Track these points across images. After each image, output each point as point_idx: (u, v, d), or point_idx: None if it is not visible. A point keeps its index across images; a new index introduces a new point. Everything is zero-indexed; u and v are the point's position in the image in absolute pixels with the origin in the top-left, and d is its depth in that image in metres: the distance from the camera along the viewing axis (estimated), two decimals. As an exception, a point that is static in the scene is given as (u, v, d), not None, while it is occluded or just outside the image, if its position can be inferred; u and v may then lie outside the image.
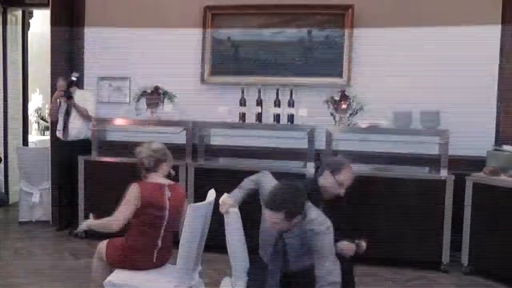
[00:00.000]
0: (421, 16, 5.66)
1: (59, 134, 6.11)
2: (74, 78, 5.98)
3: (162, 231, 3.51)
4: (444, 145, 5.16)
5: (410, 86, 5.58)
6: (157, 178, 3.60)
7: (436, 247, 5.04)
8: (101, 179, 5.64)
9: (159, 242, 3.51)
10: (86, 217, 3.70)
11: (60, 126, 6.10)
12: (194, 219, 3.30)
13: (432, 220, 5.02)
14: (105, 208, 3.52)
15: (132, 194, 3.43)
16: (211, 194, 3.58)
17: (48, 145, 6.57)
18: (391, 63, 5.65)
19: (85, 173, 5.81)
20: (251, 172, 3.52)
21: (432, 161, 5.40)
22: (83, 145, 6.01)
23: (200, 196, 3.82)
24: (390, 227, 5.00)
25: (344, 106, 5.44)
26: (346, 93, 5.52)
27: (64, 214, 6.19)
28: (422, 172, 5.36)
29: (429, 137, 5.33)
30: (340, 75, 5.81)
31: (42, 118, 8.84)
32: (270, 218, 2.81)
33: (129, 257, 3.48)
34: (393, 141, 5.38)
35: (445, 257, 5.05)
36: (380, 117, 5.40)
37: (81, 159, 5.82)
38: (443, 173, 5.10)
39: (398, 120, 5.39)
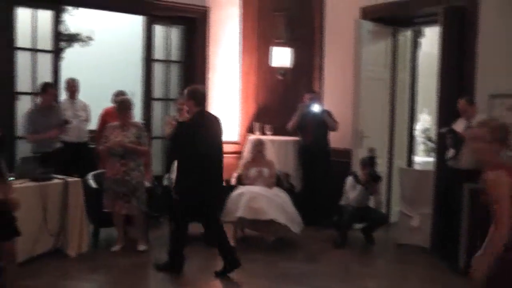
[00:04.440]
0: None
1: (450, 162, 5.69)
2: None
3: None
4: None
5: None
6: None
7: None
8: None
9: None
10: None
11: (451, 153, 5.67)
12: None
13: None
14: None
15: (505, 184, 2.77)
16: None
17: (432, 167, 6.22)
18: None
19: (471, 203, 5.21)
20: None
21: None
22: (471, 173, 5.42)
23: None
24: None
25: None
26: None
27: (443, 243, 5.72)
28: None
29: None
30: None
31: (429, 139, 8.59)
32: None
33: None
34: None
35: None
36: None
37: (466, 187, 5.26)
38: None
39: None
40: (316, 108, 7.14)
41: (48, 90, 6.47)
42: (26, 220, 4.68)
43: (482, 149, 2.98)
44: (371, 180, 6.18)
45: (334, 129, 7.12)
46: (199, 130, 4.95)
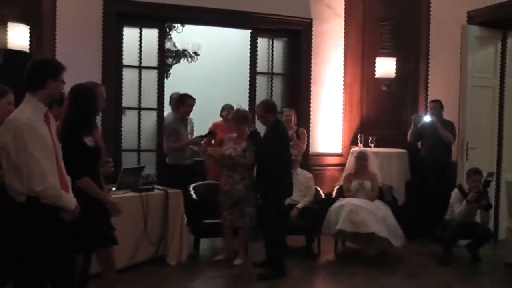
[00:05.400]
0: None
1: None
2: None
3: None
4: None
5: None
6: None
7: None
8: None
9: None
10: None
11: None
12: None
13: None
14: None
15: None
16: None
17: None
18: None
19: None
20: None
21: None
22: None
23: None
24: None
25: None
26: None
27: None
28: None
29: None
30: None
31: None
32: None
33: None
34: None
35: None
36: None
37: None
38: None
39: None
40: (429, 118, 6.97)
41: (187, 101, 6.91)
42: (127, 229, 5.06)
43: None
44: (482, 208, 6.03)
45: (448, 141, 6.93)
46: (287, 134, 5.82)
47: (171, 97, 7.60)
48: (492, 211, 6.60)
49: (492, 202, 6.49)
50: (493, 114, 7.07)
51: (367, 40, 8.07)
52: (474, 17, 6.88)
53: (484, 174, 6.06)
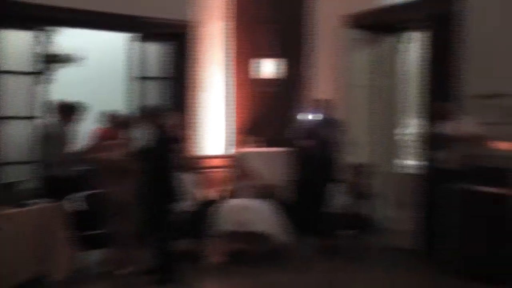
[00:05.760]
0: None
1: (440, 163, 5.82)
2: None
3: None
4: None
5: None
6: None
7: None
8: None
9: None
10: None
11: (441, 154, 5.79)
12: None
13: None
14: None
15: None
16: None
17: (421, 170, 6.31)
18: None
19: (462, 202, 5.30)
20: None
21: None
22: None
23: None
24: None
25: None
26: None
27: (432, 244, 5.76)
28: None
29: None
30: None
31: (419, 142, 8.60)
32: None
33: None
34: None
35: None
36: None
37: (457, 187, 5.29)
38: None
39: None
40: (315, 117, 7.13)
41: (73, 109, 6.44)
42: (7, 246, 4.76)
43: None
44: (359, 196, 6.26)
45: (333, 138, 7.05)
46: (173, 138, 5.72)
47: (53, 104, 7.18)
48: (374, 201, 6.90)
49: (373, 193, 6.80)
50: (373, 111, 7.38)
51: (253, 42, 8.10)
52: (352, 20, 7.22)
53: (362, 167, 6.33)
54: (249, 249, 6.31)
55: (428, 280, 5.33)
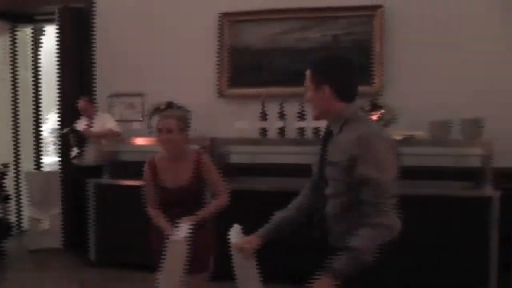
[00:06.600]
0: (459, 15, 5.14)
1: (75, 160, 5.81)
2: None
3: None
4: (487, 157, 4.59)
5: (449, 92, 5.05)
6: None
7: (482, 271, 4.44)
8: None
9: None
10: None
11: (75, 151, 5.78)
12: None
13: (476, 241, 4.44)
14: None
15: None
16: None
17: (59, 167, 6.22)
18: (427, 67, 5.14)
19: (96, 197, 5.38)
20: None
21: (474, 176, 4.82)
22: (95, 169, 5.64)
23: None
24: (429, 251, 4.43)
25: (375, 116, 4.91)
26: (377, 103, 5.01)
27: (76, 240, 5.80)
28: (464, 188, 4.78)
29: (471, 148, 4.77)
30: (370, 83, 5.29)
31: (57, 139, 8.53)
32: None
33: None
34: (430, 154, 4.87)
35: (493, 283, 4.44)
36: (415, 128, 4.85)
37: (91, 183, 5.40)
38: (488, 189, 4.51)
39: (436, 131, 4.81)
40: None
41: None
42: None
43: (176, 140, 3.10)
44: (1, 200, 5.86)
45: None
46: None
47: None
48: (13, 203, 6.52)
49: (13, 195, 6.42)
50: (7, 106, 6.90)
51: None
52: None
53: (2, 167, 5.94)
54: None
55: (72, 275, 5.31)
